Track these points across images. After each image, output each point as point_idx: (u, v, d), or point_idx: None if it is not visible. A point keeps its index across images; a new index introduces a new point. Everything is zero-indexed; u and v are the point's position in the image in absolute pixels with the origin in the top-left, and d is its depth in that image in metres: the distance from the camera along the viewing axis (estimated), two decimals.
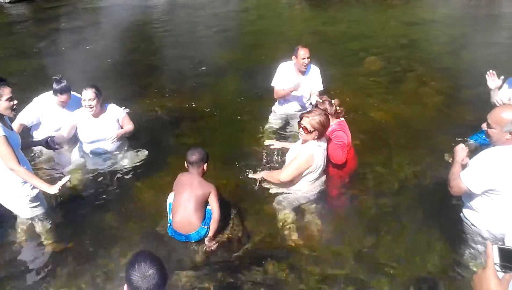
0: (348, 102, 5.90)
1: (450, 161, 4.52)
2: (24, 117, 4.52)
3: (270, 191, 3.96)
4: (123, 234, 3.91)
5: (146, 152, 4.91)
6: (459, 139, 4.78)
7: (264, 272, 3.44)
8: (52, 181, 3.54)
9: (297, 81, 4.89)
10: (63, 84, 4.48)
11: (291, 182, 3.82)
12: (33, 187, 3.51)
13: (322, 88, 5.15)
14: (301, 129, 3.62)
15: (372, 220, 4.00)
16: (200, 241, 3.64)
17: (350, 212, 4.15)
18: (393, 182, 4.50)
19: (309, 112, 3.69)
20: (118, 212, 4.18)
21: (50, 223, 3.78)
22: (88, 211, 4.16)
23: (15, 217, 3.78)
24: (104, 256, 3.64)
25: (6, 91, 3.27)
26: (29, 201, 3.54)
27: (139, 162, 4.80)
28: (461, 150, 3.11)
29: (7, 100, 3.27)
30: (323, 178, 3.93)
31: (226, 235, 3.77)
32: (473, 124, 4.82)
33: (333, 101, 4.02)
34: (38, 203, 3.63)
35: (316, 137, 3.61)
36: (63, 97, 4.53)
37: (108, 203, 4.30)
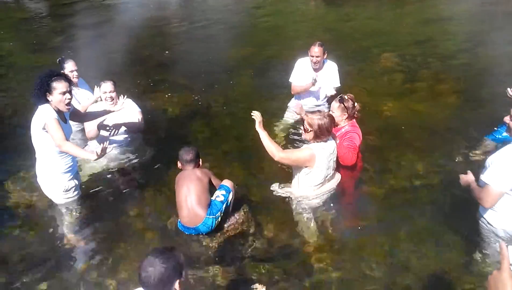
0: (362, 99, 5.84)
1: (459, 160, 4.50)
2: None
3: (282, 192, 3.95)
4: (135, 228, 3.97)
5: (155, 148, 4.94)
6: (476, 137, 4.72)
7: (274, 268, 3.46)
8: None
9: (312, 76, 4.84)
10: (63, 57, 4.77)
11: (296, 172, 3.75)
12: (70, 179, 3.68)
13: (339, 85, 5.07)
14: (302, 128, 3.62)
15: (384, 219, 3.99)
16: (211, 233, 3.65)
17: (361, 212, 4.13)
18: (407, 181, 4.47)
19: (312, 112, 3.62)
20: (129, 207, 4.23)
21: (77, 213, 3.90)
22: (101, 205, 4.22)
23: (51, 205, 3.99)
24: (115, 250, 3.72)
25: (61, 86, 3.28)
26: (64, 191, 3.68)
27: (150, 157, 4.83)
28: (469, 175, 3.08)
29: (60, 93, 3.29)
30: (333, 182, 3.81)
31: (237, 230, 3.79)
32: (490, 122, 4.75)
33: (356, 104, 3.96)
34: (73, 193, 3.77)
35: (313, 137, 3.50)
36: (69, 65, 4.74)
37: (120, 197, 4.36)
